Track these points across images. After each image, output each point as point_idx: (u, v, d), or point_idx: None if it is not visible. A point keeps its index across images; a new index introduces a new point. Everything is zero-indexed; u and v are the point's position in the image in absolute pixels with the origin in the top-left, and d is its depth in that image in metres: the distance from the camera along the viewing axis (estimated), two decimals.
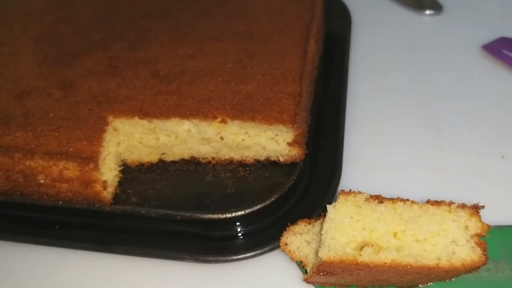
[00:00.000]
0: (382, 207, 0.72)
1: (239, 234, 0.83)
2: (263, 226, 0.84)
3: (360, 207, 0.72)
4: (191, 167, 0.90)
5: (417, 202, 0.73)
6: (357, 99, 1.05)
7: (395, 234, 0.70)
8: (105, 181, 0.81)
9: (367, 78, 1.11)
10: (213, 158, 0.90)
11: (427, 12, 1.28)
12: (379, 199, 0.73)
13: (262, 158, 0.89)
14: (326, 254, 0.67)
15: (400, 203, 0.72)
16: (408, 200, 0.73)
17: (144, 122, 0.84)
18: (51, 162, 0.80)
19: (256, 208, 0.83)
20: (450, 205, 0.72)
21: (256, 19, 1.01)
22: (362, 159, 0.94)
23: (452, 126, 0.99)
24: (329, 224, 0.71)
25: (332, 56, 1.13)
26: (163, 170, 0.90)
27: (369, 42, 1.20)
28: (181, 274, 0.80)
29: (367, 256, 0.67)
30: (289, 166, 0.89)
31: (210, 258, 0.79)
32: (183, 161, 0.91)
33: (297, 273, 0.78)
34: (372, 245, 0.69)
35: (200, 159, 0.90)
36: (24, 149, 0.80)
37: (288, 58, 0.93)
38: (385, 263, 0.67)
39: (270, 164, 0.90)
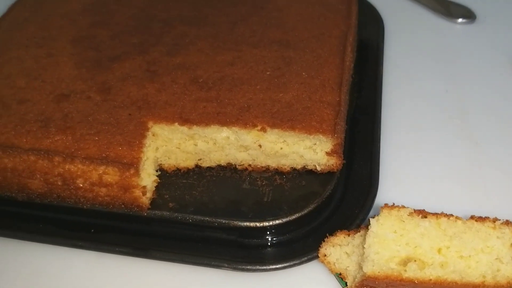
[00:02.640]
0: (426, 222, 0.71)
1: (275, 243, 0.83)
2: (300, 235, 0.83)
3: (403, 221, 0.71)
4: (227, 173, 0.90)
5: (461, 218, 0.72)
6: (390, 108, 1.05)
7: (439, 250, 0.70)
8: (144, 187, 0.81)
9: (400, 87, 1.10)
10: (250, 165, 0.90)
11: (460, 20, 1.27)
12: (423, 213, 0.72)
13: (299, 167, 0.89)
14: (370, 269, 0.67)
15: (444, 219, 0.72)
16: (452, 215, 0.72)
17: (184, 128, 0.84)
18: (91, 167, 0.80)
19: (293, 217, 0.83)
20: (494, 221, 0.72)
21: (292, 26, 1.01)
22: (397, 170, 0.94)
23: (488, 139, 0.98)
24: (373, 238, 0.70)
25: (365, 63, 1.12)
26: (199, 175, 0.90)
27: (401, 49, 1.19)
28: (217, 282, 0.80)
29: (412, 272, 0.67)
30: (325, 175, 0.88)
31: (248, 267, 0.79)
32: (219, 167, 0.90)
33: (336, 286, 0.78)
34: (416, 261, 0.69)
35: (236, 166, 0.90)
36: (64, 153, 0.80)
37: (326, 66, 0.93)
38: (430, 279, 0.67)
39: (306, 173, 0.89)
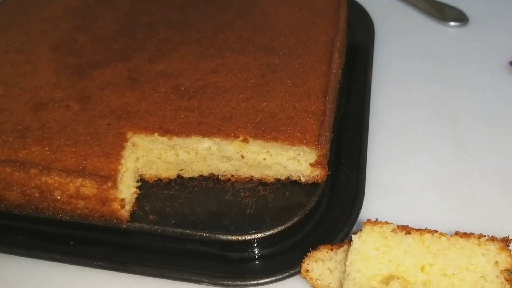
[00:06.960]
0: (409, 239, 0.69)
1: (258, 256, 0.81)
2: (282, 248, 0.82)
3: (386, 238, 0.70)
4: (210, 184, 0.88)
5: (446, 234, 0.71)
6: (379, 115, 1.03)
7: (422, 268, 0.68)
8: (123, 199, 0.79)
9: (390, 93, 1.08)
10: (233, 175, 0.88)
11: (452, 23, 1.24)
12: (407, 229, 0.70)
13: (283, 178, 0.87)
14: (351, 287, 0.65)
15: (428, 235, 0.70)
16: (436, 231, 0.71)
17: (164, 139, 0.82)
18: (68, 179, 0.78)
19: (276, 230, 0.81)
20: (479, 238, 0.70)
21: (279, 31, 0.98)
22: (384, 180, 0.92)
23: (478, 147, 0.96)
24: (354, 255, 0.68)
25: (354, 68, 1.10)
26: (181, 186, 0.88)
27: (392, 53, 1.17)
28: None
29: None
30: (310, 186, 0.86)
31: (229, 283, 0.77)
32: (202, 178, 0.89)
33: None
34: (399, 279, 0.67)
35: (219, 176, 0.88)
36: (40, 164, 0.78)
37: (312, 74, 0.90)
38: None
39: (290, 184, 0.87)
